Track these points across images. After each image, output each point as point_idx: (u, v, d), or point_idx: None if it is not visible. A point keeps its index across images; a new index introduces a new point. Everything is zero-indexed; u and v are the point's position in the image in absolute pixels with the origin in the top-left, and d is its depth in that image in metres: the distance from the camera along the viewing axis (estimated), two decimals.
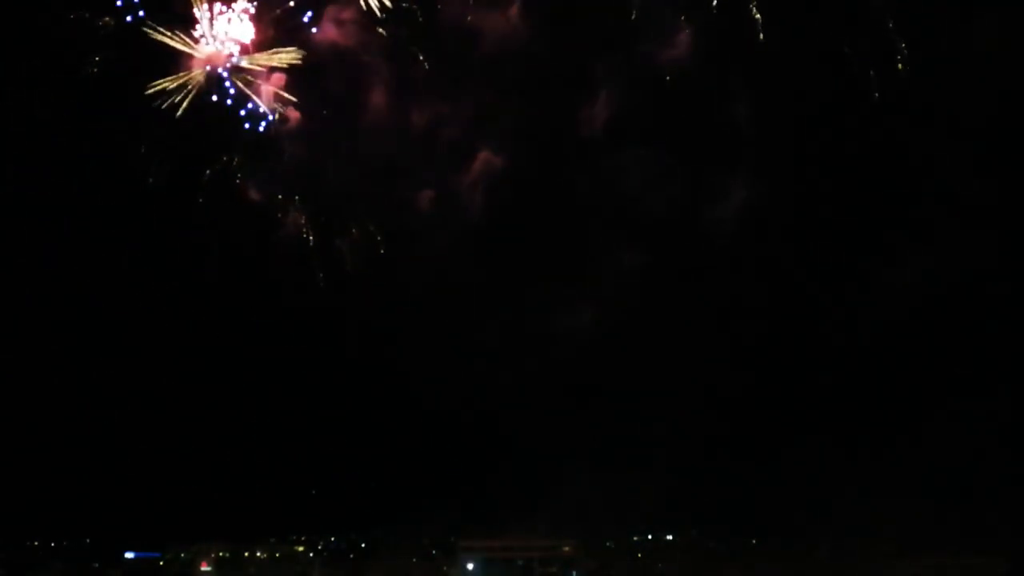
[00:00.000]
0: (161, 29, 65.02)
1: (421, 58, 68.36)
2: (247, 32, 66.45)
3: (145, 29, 64.76)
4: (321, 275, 72.66)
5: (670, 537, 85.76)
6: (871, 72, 67.98)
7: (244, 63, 66.64)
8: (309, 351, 79.74)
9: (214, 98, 66.54)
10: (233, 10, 65.80)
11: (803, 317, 77.62)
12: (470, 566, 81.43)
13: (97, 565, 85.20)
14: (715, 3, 67.24)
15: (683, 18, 68.10)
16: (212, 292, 76.72)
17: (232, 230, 71.72)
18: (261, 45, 66.73)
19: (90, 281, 76.62)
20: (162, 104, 65.74)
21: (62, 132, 69.30)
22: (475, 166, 72.67)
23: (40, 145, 70.80)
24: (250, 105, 67.26)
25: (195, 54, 65.79)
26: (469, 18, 68.05)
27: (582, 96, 71.83)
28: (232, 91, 66.76)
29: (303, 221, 72.19)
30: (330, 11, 67.12)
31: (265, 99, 67.37)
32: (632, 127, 72.53)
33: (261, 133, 68.12)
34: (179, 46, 65.42)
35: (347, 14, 67.21)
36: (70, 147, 70.18)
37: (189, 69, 66.05)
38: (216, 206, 70.42)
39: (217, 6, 65.44)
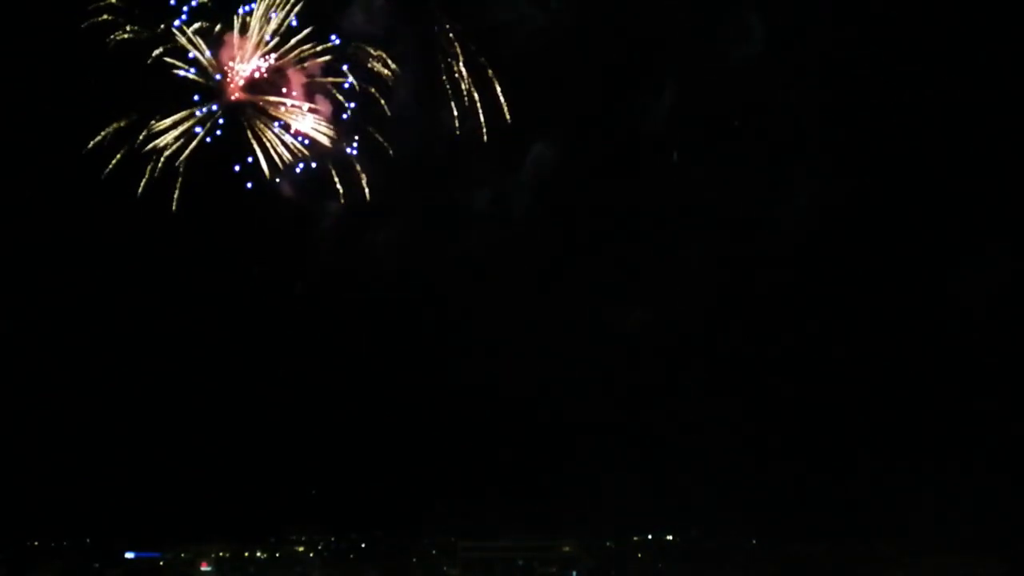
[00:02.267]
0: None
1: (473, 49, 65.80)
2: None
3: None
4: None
5: (670, 537, 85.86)
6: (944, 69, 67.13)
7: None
8: (309, 352, 79.88)
9: None
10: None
11: (823, 319, 77.35)
12: None
13: (97, 565, 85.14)
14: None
15: (753, 13, 67.43)
16: (210, 291, 77.05)
17: (263, 226, 71.60)
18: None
19: (92, 280, 76.82)
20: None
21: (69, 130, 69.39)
22: (529, 160, 71.83)
23: (47, 145, 70.95)
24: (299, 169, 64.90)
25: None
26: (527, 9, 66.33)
27: (646, 91, 71.36)
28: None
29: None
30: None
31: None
32: (698, 123, 72.18)
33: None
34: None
35: (379, 1, 64.88)
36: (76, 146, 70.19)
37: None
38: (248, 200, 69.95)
39: None
